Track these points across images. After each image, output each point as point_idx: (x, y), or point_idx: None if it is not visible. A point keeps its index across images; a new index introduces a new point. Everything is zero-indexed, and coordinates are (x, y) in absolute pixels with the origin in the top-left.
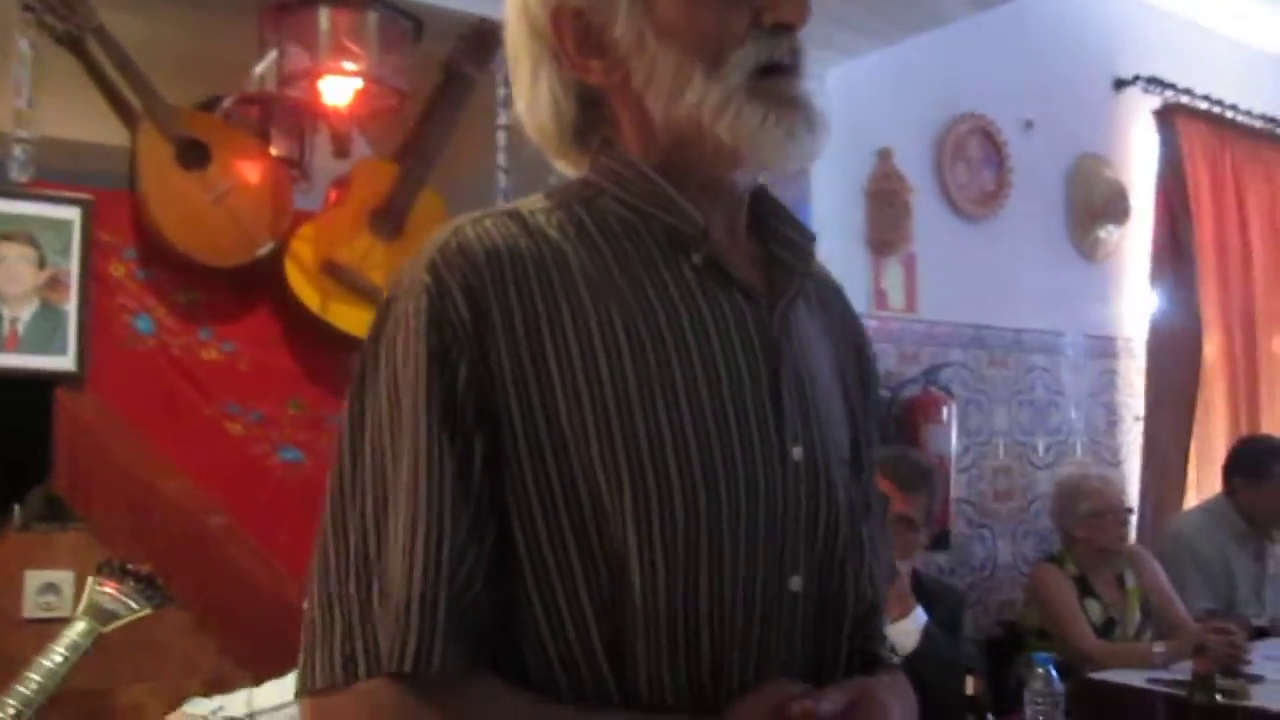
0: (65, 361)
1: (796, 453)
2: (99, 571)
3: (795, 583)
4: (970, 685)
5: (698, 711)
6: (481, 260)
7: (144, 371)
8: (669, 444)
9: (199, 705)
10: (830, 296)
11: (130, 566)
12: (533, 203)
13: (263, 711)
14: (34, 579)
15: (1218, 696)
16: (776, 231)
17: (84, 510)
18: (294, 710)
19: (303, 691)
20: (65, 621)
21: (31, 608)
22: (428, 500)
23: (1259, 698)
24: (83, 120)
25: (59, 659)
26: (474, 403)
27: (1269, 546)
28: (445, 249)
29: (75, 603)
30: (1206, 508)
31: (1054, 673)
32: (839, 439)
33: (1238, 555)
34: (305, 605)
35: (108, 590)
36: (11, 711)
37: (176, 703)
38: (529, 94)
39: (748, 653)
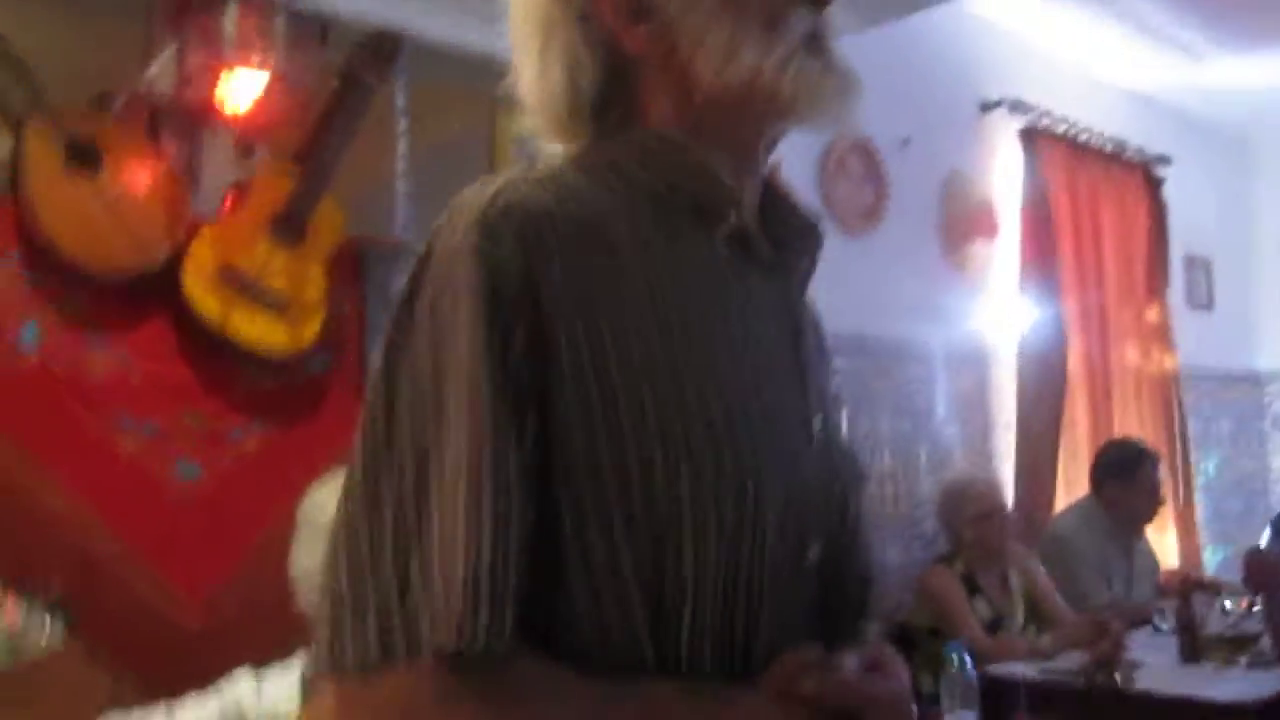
0: None
1: (817, 422)
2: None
3: (814, 552)
4: None
5: (730, 679)
6: (534, 222)
7: (28, 384)
8: (721, 419)
9: (116, 716)
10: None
11: (35, 586)
12: (563, 168)
13: None
14: None
15: (1117, 677)
16: (785, 213)
17: None
18: None
19: (329, 671)
20: None
21: None
22: (486, 474)
23: (1142, 682)
24: None
25: None
26: (528, 371)
27: (1135, 543)
28: (493, 209)
29: None
30: (1078, 508)
31: (968, 661)
32: (838, 417)
33: (1110, 552)
34: (324, 579)
35: (15, 615)
36: None
37: None
38: (538, 63)
39: (775, 621)
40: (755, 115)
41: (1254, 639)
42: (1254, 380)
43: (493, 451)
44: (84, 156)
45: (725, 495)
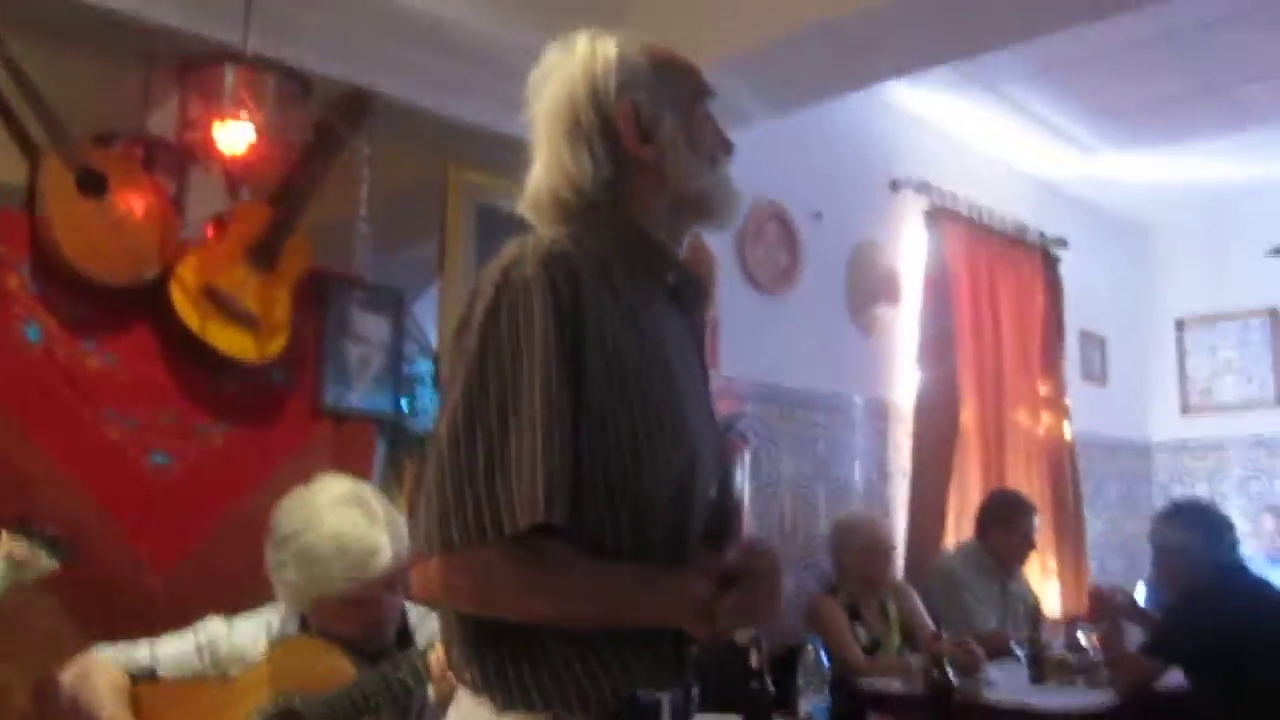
0: None
1: (710, 405)
2: (12, 528)
3: (712, 489)
4: (753, 658)
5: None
6: (574, 264)
7: (31, 374)
8: (678, 406)
9: (105, 650)
10: None
11: (38, 527)
12: (576, 234)
13: (164, 661)
14: None
15: (950, 673)
16: (689, 275)
17: None
18: (192, 662)
19: (439, 548)
20: None
21: None
22: (556, 418)
23: (988, 694)
24: None
25: None
26: (573, 354)
27: (1010, 583)
28: (550, 253)
29: None
30: (963, 548)
31: (822, 653)
32: None
33: (988, 589)
34: (430, 490)
35: (20, 542)
36: None
37: (42, 681)
38: (569, 152)
39: (693, 536)
40: (693, 211)
41: (1095, 664)
42: (1142, 449)
43: (558, 405)
44: (93, 183)
45: (680, 454)
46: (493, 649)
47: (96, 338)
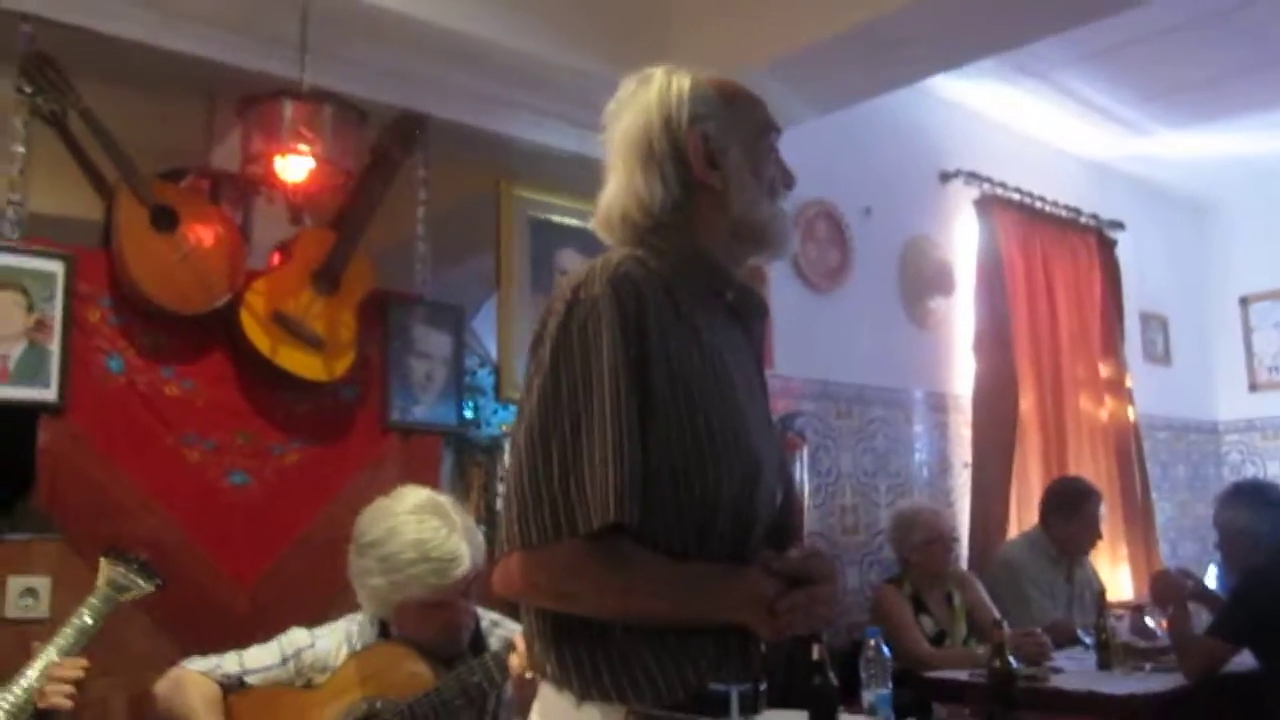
0: (48, 393)
1: (771, 417)
2: (108, 555)
3: (779, 497)
4: (815, 651)
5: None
6: (639, 283)
7: (115, 403)
8: (739, 420)
9: (196, 662)
10: None
11: (131, 553)
12: (642, 255)
13: (252, 671)
14: (15, 584)
15: (1010, 661)
16: (748, 293)
17: (61, 523)
18: (279, 671)
19: (519, 546)
20: (41, 622)
21: (12, 609)
22: (619, 422)
23: (1055, 682)
24: (60, 194)
25: (88, 619)
26: (639, 366)
27: (1076, 571)
28: (618, 274)
29: (52, 605)
30: (1026, 538)
31: (884, 644)
32: None
33: (1052, 578)
34: (511, 494)
35: (119, 569)
36: (56, 656)
37: (138, 695)
38: (641, 176)
39: (758, 540)
40: (752, 239)
41: (1162, 650)
42: (1210, 430)
43: (626, 412)
44: (165, 218)
45: (741, 462)
46: (569, 643)
47: (174, 365)
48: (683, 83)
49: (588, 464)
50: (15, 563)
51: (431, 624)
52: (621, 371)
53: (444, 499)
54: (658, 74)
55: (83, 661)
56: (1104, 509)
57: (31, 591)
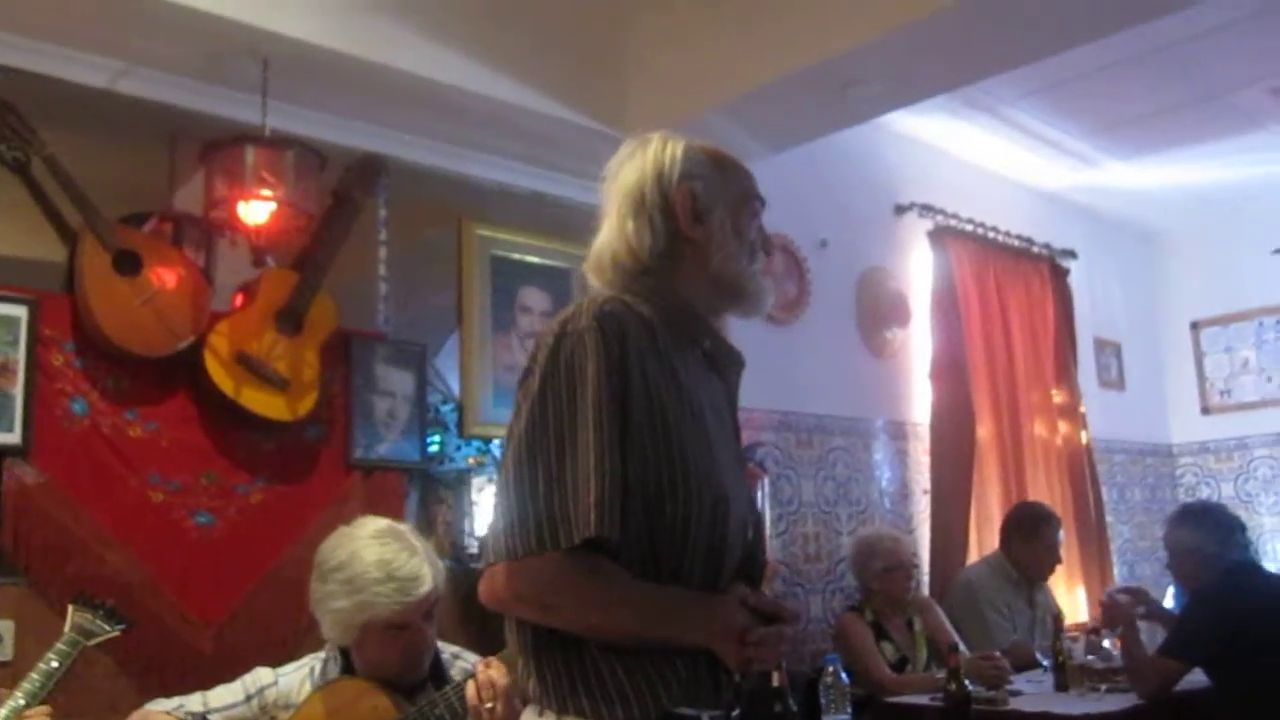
0: (12, 437)
1: (742, 457)
2: (75, 601)
3: (750, 532)
4: (776, 678)
5: None
6: (621, 321)
7: (79, 446)
8: (710, 458)
9: (160, 703)
10: None
11: (98, 599)
12: (627, 298)
13: (216, 710)
14: None
15: (966, 684)
16: (723, 344)
17: (25, 565)
18: (242, 709)
19: (505, 557)
20: (5, 665)
21: None
22: (607, 447)
23: (1013, 704)
24: (23, 237)
25: (55, 664)
26: (620, 396)
27: (1037, 595)
28: (603, 310)
29: (15, 649)
30: (987, 561)
31: (842, 671)
32: None
33: (1013, 601)
34: (497, 510)
35: (86, 614)
36: (22, 701)
37: None
38: (632, 224)
39: (731, 569)
40: (729, 294)
41: (1117, 671)
42: (1165, 453)
43: (609, 436)
44: (128, 262)
45: (711, 502)
46: (548, 657)
47: (138, 407)
48: (678, 145)
49: (571, 482)
50: None
51: (394, 648)
52: (604, 398)
53: (402, 526)
54: (656, 137)
55: (47, 708)
56: (1062, 534)
57: None
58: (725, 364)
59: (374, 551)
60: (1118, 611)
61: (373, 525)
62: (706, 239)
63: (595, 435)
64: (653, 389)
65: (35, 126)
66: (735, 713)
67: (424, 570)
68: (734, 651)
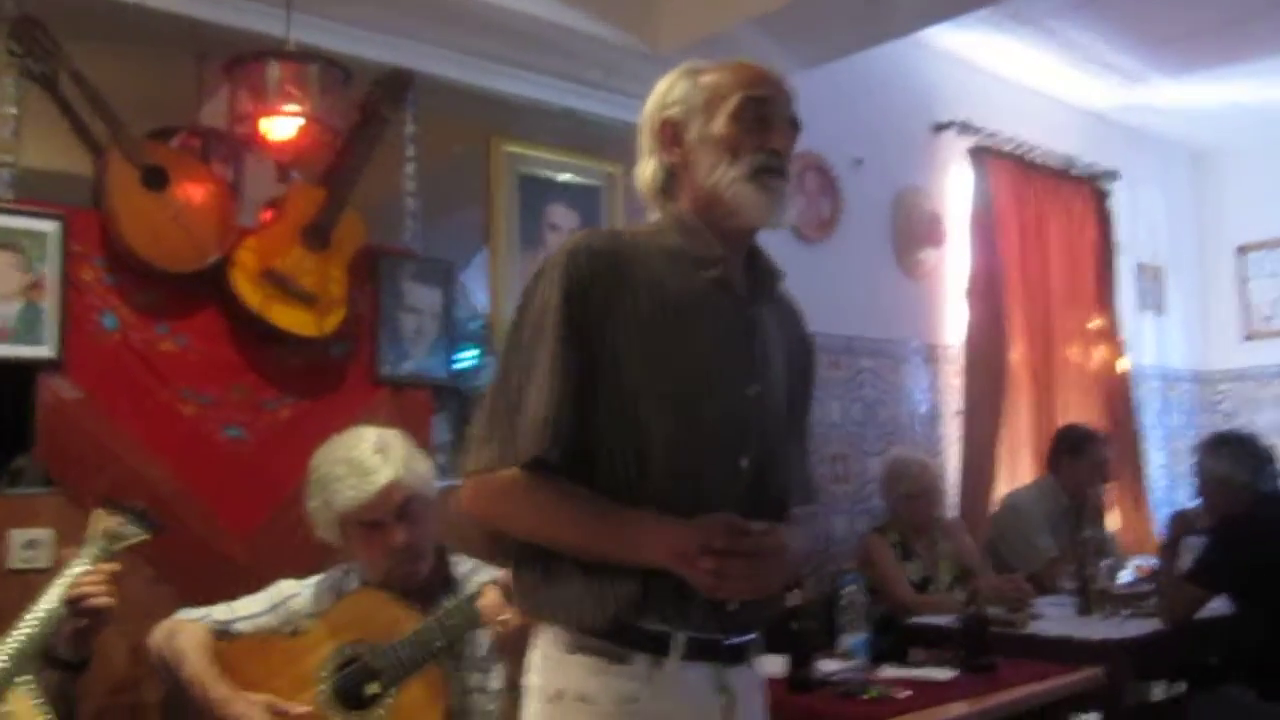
0: (46, 351)
1: (753, 389)
2: (105, 505)
3: (744, 462)
4: (796, 597)
5: None
6: (595, 252)
7: (111, 360)
8: (685, 375)
9: (188, 612)
10: (793, 318)
11: (128, 503)
12: (634, 226)
13: (242, 619)
14: (18, 536)
15: (984, 607)
16: (760, 267)
17: (61, 476)
18: (267, 619)
19: (471, 472)
20: (43, 573)
21: (15, 560)
22: (553, 370)
23: (1033, 627)
24: (52, 152)
25: (81, 567)
26: (581, 325)
27: (1086, 525)
28: (577, 244)
29: (54, 557)
30: (1037, 484)
31: (862, 589)
32: (780, 393)
33: (1059, 524)
34: (475, 424)
35: (114, 519)
36: (45, 608)
37: (138, 644)
38: (641, 160)
39: (714, 500)
40: (719, 207)
41: (1141, 596)
42: (1204, 379)
43: (561, 362)
44: (155, 177)
45: (683, 419)
46: (529, 568)
47: (168, 322)
48: (672, 77)
49: (522, 405)
50: (18, 516)
51: (374, 548)
52: (561, 326)
53: (392, 434)
54: (668, 74)
55: (115, 565)
56: (1109, 451)
57: (34, 544)
58: (756, 288)
59: (340, 450)
60: (1184, 522)
61: (359, 432)
62: (684, 160)
63: (548, 361)
64: (629, 314)
65: (61, 41)
66: (749, 638)
67: (380, 464)
68: (694, 576)
